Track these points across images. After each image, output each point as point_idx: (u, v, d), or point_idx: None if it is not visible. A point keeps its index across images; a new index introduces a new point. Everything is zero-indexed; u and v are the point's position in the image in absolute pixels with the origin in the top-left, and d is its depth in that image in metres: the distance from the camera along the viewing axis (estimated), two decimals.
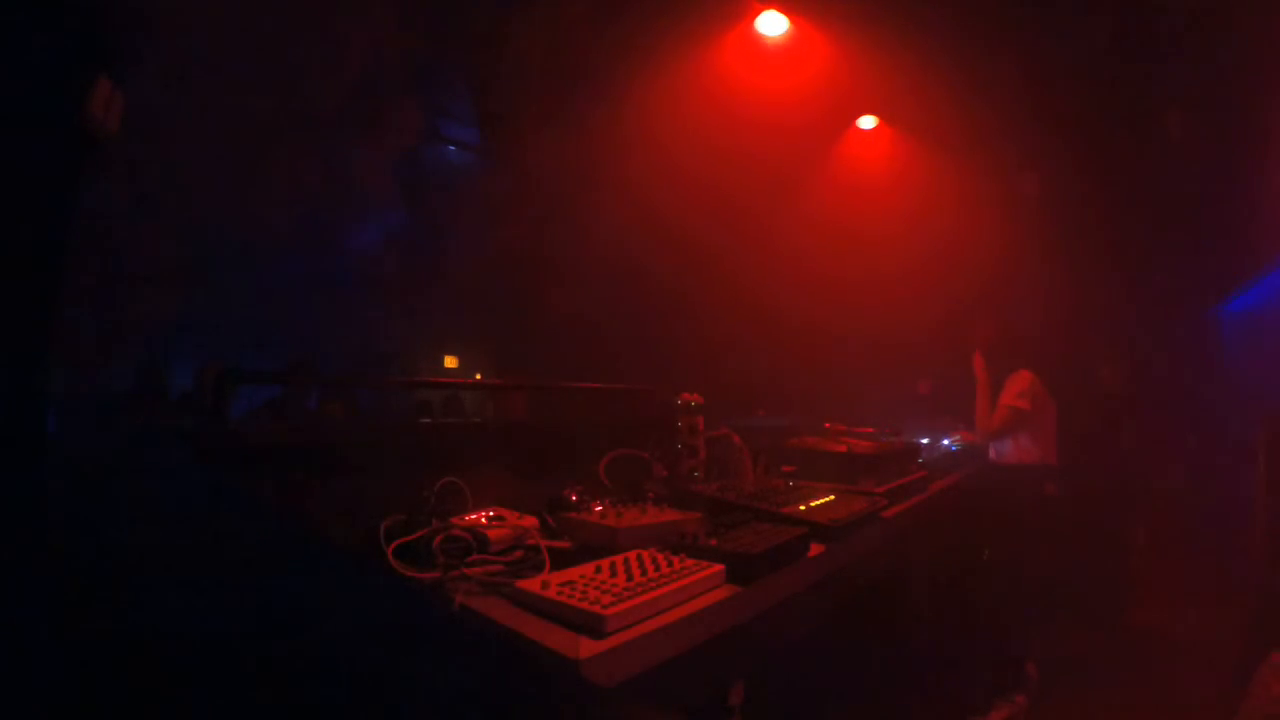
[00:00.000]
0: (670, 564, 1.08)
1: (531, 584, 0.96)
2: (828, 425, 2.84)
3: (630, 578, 0.99)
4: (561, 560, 1.14)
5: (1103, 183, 4.82)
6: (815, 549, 1.40)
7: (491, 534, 1.17)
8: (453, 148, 5.99)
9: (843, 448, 2.15)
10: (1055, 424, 3.30)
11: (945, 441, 3.41)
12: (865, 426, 2.90)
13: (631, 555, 1.11)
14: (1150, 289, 5.19)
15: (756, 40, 4.38)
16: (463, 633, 0.57)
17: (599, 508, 1.42)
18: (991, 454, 3.38)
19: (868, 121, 5.22)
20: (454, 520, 1.22)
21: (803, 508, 1.58)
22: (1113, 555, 4.30)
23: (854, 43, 4.25)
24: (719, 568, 1.10)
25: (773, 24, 4.34)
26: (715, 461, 1.97)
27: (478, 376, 7.48)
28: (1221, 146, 4.31)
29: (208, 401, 1.42)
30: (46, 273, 1.16)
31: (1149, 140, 4.51)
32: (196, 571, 0.59)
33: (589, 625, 0.86)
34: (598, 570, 1.03)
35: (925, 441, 3.38)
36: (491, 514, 1.29)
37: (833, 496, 1.75)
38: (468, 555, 1.10)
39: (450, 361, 7.63)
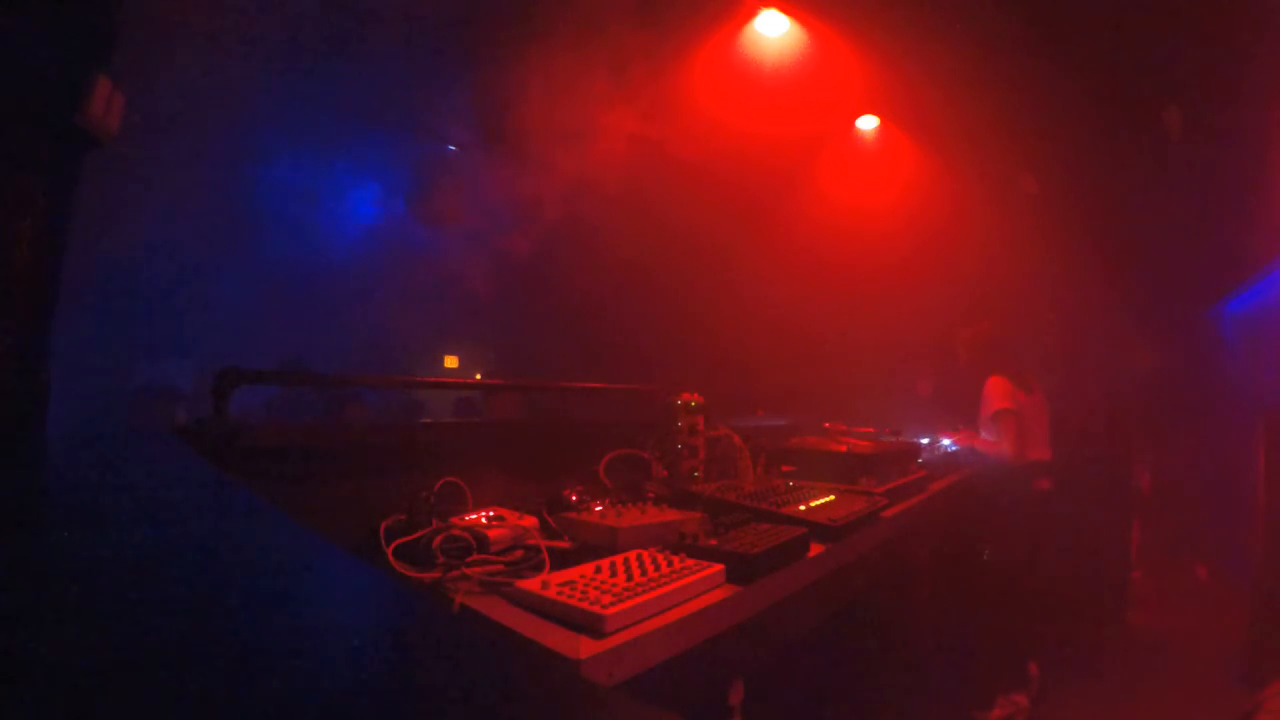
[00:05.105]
0: (670, 564, 1.08)
1: (531, 584, 0.96)
2: (828, 425, 2.84)
3: (630, 578, 0.99)
4: (561, 560, 1.14)
5: (1102, 183, 4.82)
6: (815, 549, 1.40)
7: (491, 534, 1.17)
8: (453, 147, 5.99)
9: (843, 448, 2.15)
10: (1046, 422, 3.29)
11: (944, 442, 3.40)
12: (865, 426, 2.90)
13: (631, 555, 1.11)
14: (1150, 289, 5.19)
15: (757, 40, 4.37)
16: (463, 633, 0.57)
17: (599, 508, 1.42)
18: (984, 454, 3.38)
19: (869, 122, 5.22)
20: (454, 520, 1.22)
21: (803, 508, 1.58)
22: (1113, 555, 4.30)
23: (855, 42, 4.24)
24: (719, 568, 1.10)
25: (772, 24, 4.34)
26: (715, 461, 1.97)
27: (478, 377, 7.48)
28: (1221, 146, 4.31)
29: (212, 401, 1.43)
30: (46, 273, 1.16)
31: (1149, 140, 4.51)
32: (194, 571, 0.59)
33: (589, 625, 0.87)
34: (598, 570, 1.03)
35: (925, 441, 3.38)
36: (491, 514, 1.29)
37: (833, 496, 1.75)
38: (468, 555, 1.10)
39: (450, 361, 7.63)
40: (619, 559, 1.09)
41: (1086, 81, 4.10)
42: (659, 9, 3.66)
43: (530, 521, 1.28)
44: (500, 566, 1.09)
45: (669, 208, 4.47)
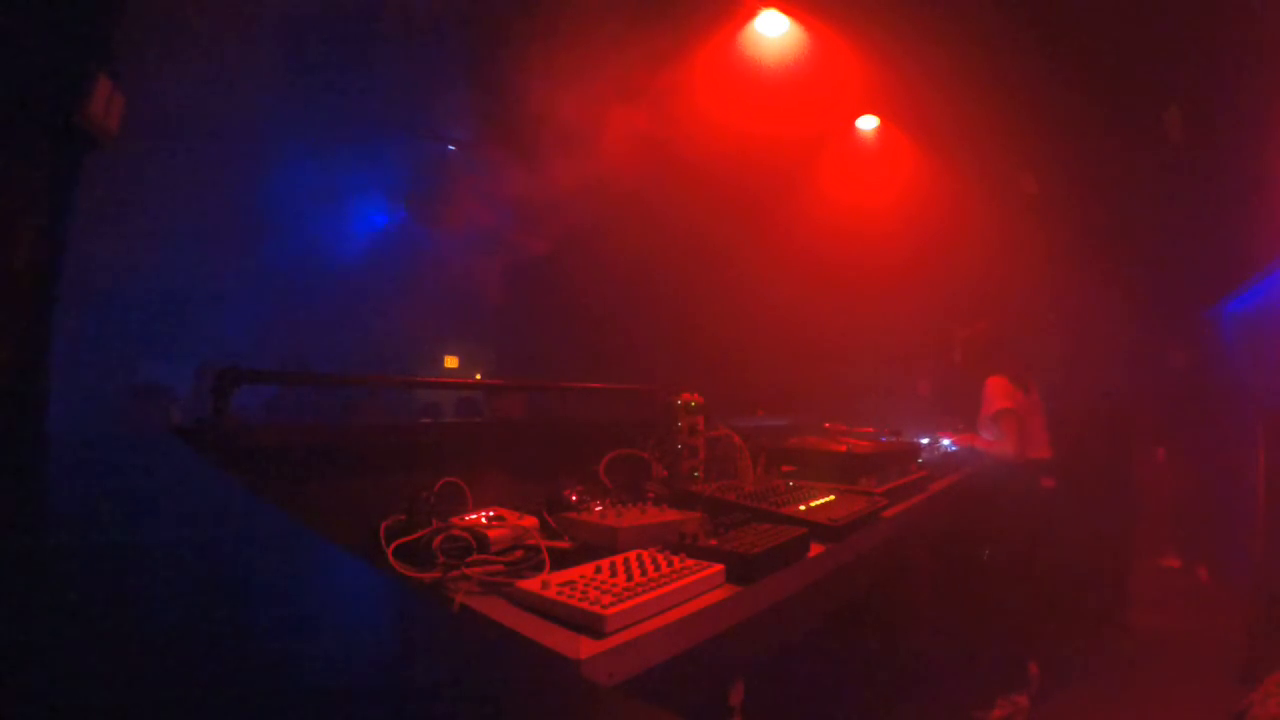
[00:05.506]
0: (670, 564, 1.08)
1: (531, 584, 0.96)
2: (828, 425, 2.85)
3: (630, 578, 0.99)
4: (561, 560, 1.14)
5: (1102, 183, 4.82)
6: (815, 549, 1.40)
7: (491, 534, 1.17)
8: (452, 147, 5.99)
9: (843, 448, 2.15)
10: (1042, 422, 3.30)
11: (944, 442, 3.40)
12: (865, 426, 2.90)
13: (631, 555, 1.11)
14: (1150, 289, 5.19)
15: (757, 40, 4.37)
16: (463, 633, 0.57)
17: (599, 508, 1.42)
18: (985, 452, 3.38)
19: (869, 122, 5.21)
20: (454, 520, 1.22)
21: (803, 508, 1.58)
22: (1113, 555, 4.30)
23: (855, 42, 4.24)
24: (719, 568, 1.10)
25: (772, 24, 4.34)
26: (715, 461, 1.97)
27: (478, 377, 7.48)
28: (1221, 147, 4.31)
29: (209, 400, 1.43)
30: (46, 273, 1.16)
31: (1149, 140, 4.51)
32: (194, 571, 0.59)
33: (589, 625, 0.86)
34: (598, 570, 1.03)
35: (925, 441, 3.38)
36: (491, 514, 1.29)
37: (833, 496, 1.75)
38: (468, 555, 1.10)
39: (450, 361, 7.63)
40: (619, 559, 1.09)
41: (1086, 81, 4.09)
42: (659, 9, 3.66)
43: (530, 521, 1.28)
44: (500, 566, 1.09)
45: (669, 208, 4.47)
